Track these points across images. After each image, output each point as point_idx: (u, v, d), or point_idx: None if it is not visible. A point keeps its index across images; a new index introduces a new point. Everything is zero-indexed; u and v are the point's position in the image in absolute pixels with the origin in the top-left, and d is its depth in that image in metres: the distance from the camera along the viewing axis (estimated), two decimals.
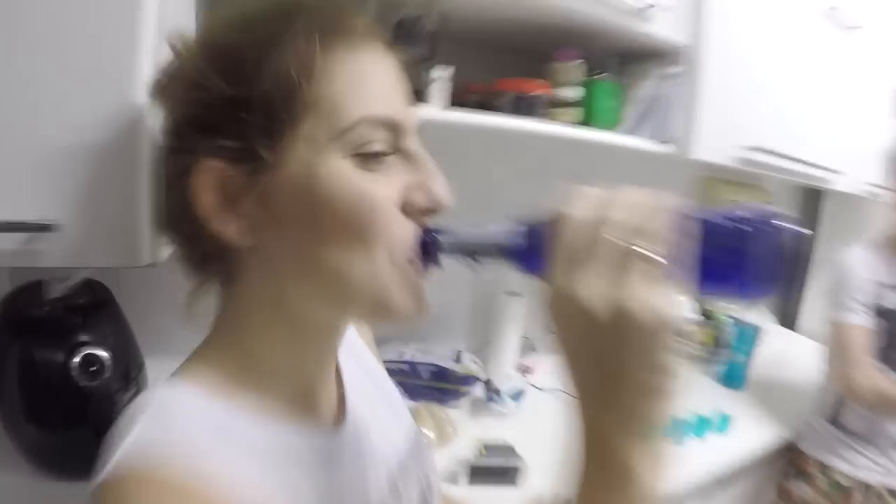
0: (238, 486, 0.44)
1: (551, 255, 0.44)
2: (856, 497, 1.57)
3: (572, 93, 1.26)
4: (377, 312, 0.51)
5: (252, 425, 0.50)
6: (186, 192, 0.48)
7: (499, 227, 0.51)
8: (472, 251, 0.51)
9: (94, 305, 0.99)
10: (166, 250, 0.65)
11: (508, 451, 1.26)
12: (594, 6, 1.19)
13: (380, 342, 0.83)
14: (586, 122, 1.31)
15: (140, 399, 0.47)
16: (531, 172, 1.69)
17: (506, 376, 1.53)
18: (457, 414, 1.41)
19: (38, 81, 0.57)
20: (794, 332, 2.53)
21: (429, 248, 0.52)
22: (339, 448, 0.58)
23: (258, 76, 0.46)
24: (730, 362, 1.90)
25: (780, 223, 0.42)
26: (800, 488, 1.66)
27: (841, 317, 1.58)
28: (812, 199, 2.65)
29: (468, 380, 1.45)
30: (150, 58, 0.60)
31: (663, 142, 1.39)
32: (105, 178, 0.59)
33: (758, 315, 1.80)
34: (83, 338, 0.94)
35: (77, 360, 0.92)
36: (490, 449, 1.25)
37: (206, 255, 0.52)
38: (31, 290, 0.95)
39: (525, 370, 1.65)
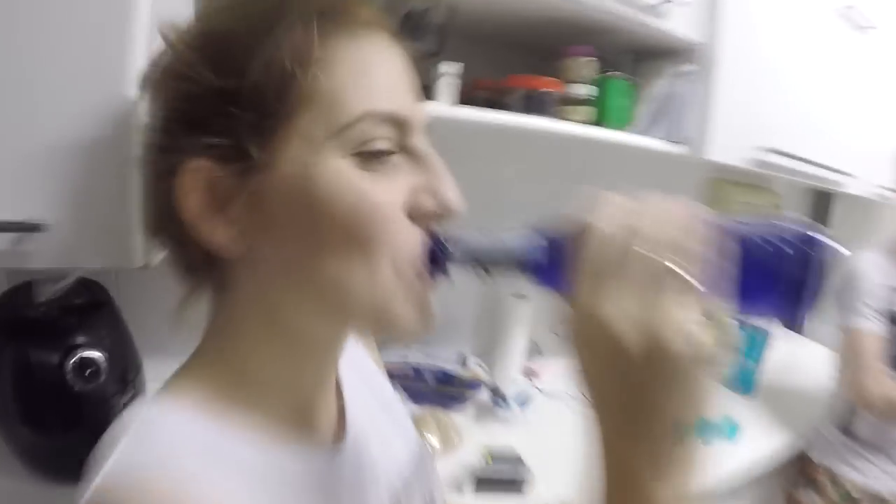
0: None
1: (575, 270, 0.41)
2: None
3: (584, 90, 1.23)
4: (379, 326, 0.48)
5: (244, 446, 0.47)
6: (172, 194, 0.44)
7: (514, 236, 0.47)
8: (485, 262, 0.48)
9: (90, 306, 0.96)
10: (161, 252, 0.61)
11: (515, 459, 1.23)
12: (608, 1, 1.16)
13: (382, 345, 0.80)
14: (598, 121, 1.27)
15: (123, 417, 0.44)
16: (540, 172, 1.66)
17: (512, 381, 1.51)
18: (462, 419, 1.38)
19: (25, 74, 0.54)
20: (802, 337, 2.50)
21: (437, 258, 0.48)
22: (338, 467, 0.55)
23: (249, 66, 0.42)
24: (739, 367, 1.87)
25: (820, 243, 0.40)
26: (809, 498, 1.64)
27: (852, 322, 1.55)
28: (821, 201, 2.62)
29: (474, 384, 1.42)
30: (143, 49, 0.57)
31: (676, 142, 1.36)
32: (96, 175, 0.56)
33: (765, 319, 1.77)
34: (79, 340, 0.91)
35: (72, 362, 0.89)
36: (496, 457, 1.22)
37: (195, 261, 0.48)
38: (26, 290, 0.92)
39: (531, 374, 1.62)
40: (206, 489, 0.40)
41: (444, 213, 0.48)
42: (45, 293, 0.88)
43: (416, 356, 1.45)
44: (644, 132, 1.35)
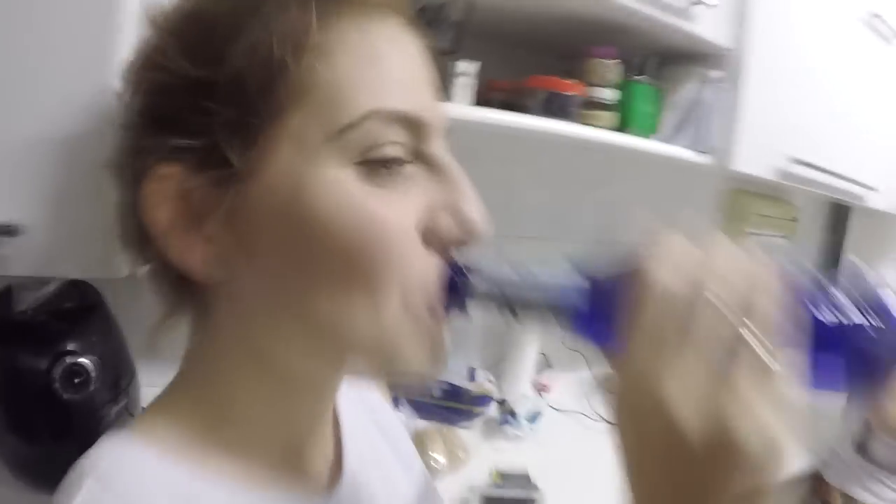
0: None
1: (626, 328, 0.33)
2: None
3: (608, 94, 1.17)
4: (382, 369, 0.42)
5: (225, 494, 0.40)
6: (140, 205, 0.38)
7: (551, 272, 0.39)
8: (513, 302, 0.39)
9: (81, 309, 0.91)
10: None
11: (524, 480, 1.19)
12: (633, 0, 1.09)
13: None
14: (621, 127, 1.21)
15: (87, 458, 0.38)
16: (557, 178, 1.60)
17: (522, 396, 1.45)
18: (469, 435, 1.33)
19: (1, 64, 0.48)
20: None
21: (455, 292, 0.40)
22: None
23: (229, 52, 0.35)
24: None
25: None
26: None
27: None
28: (839, 214, 2.56)
29: (482, 400, 1.37)
30: (131, 35, 0.50)
31: (702, 151, 1.30)
32: (78, 175, 0.50)
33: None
34: (68, 346, 0.86)
35: (60, 370, 0.84)
36: (504, 477, 1.18)
37: (170, 281, 0.41)
38: (8, 294, 0.86)
39: (542, 389, 1.56)
40: None
41: (466, 236, 0.40)
42: (26, 300, 0.83)
43: None
44: (668, 140, 1.29)
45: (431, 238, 0.39)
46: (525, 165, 1.56)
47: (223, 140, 0.36)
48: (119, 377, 0.93)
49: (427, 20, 0.99)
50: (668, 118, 1.29)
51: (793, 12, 1.40)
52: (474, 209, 0.40)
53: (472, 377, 1.41)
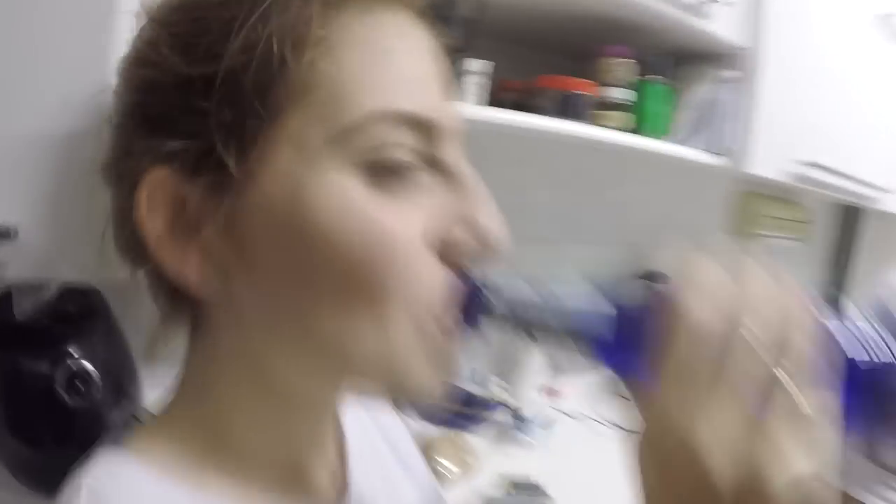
0: None
1: (656, 364, 0.31)
2: None
3: (622, 94, 1.15)
4: (389, 389, 0.39)
5: None
6: (132, 211, 0.35)
7: (574, 294, 0.36)
8: (530, 323, 0.36)
9: (84, 313, 0.89)
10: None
11: (535, 489, 1.17)
12: None
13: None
14: (635, 127, 1.19)
15: (81, 475, 0.36)
16: (569, 180, 1.58)
17: (533, 402, 1.43)
18: (479, 442, 1.31)
19: None
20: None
21: (470, 308, 0.37)
22: None
23: (224, 48, 0.33)
24: None
25: None
26: None
27: None
28: (850, 217, 2.53)
29: (493, 405, 1.35)
30: (129, 30, 0.49)
31: (716, 153, 1.28)
32: (75, 175, 0.47)
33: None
34: (71, 350, 0.84)
35: (62, 375, 0.83)
36: (515, 486, 1.16)
37: (166, 291, 0.39)
38: (13, 297, 0.85)
39: (553, 394, 1.54)
40: None
41: (482, 249, 0.37)
42: (27, 305, 0.81)
43: None
44: (682, 141, 1.27)
45: (444, 250, 0.37)
46: (536, 166, 1.54)
47: (218, 143, 0.33)
48: (122, 381, 0.92)
49: (437, 16, 0.97)
50: (682, 119, 1.27)
51: (808, 11, 1.38)
52: (491, 220, 0.37)
53: (483, 383, 1.39)
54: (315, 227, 0.33)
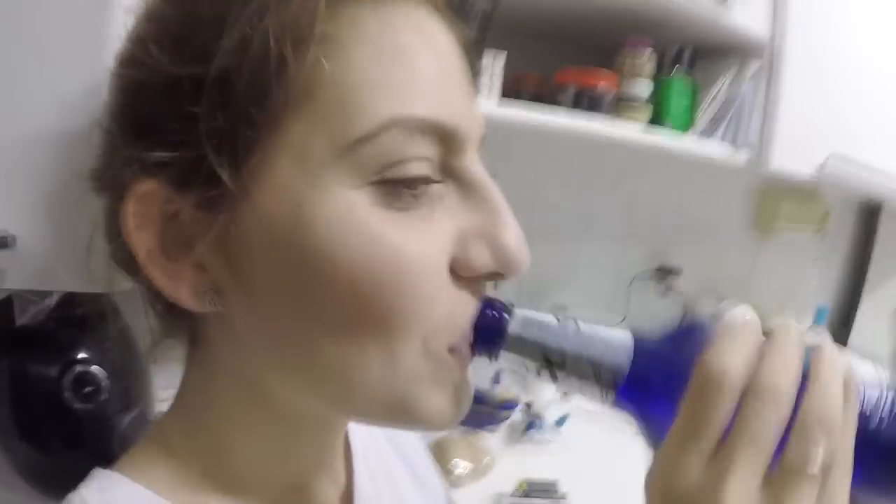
0: None
1: (672, 416, 0.30)
2: None
3: (642, 89, 1.12)
4: (396, 420, 0.36)
5: None
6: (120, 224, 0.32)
7: (602, 332, 0.34)
8: (552, 357, 0.34)
9: (92, 316, 0.87)
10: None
11: (551, 488, 1.14)
12: None
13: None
14: (656, 122, 1.16)
15: (78, 495, 0.34)
16: (587, 175, 1.55)
17: (548, 400, 1.41)
18: (494, 441, 1.29)
19: None
20: (847, 350, 2.38)
21: (487, 334, 0.34)
22: None
23: (217, 45, 0.29)
24: None
25: None
26: None
27: None
28: (869, 212, 2.49)
29: (508, 404, 1.32)
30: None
31: (738, 148, 1.25)
32: (74, 180, 0.44)
33: (818, 335, 1.65)
34: (78, 354, 0.83)
35: (70, 380, 0.82)
36: (530, 484, 1.14)
37: (163, 305, 0.36)
38: (14, 303, 0.83)
39: (569, 392, 1.53)
40: None
41: (502, 270, 0.34)
42: (29, 311, 0.80)
43: None
44: (704, 136, 1.24)
45: (461, 270, 0.34)
46: (553, 161, 1.51)
47: (210, 153, 0.30)
48: (131, 384, 0.90)
49: (453, 8, 0.94)
50: (704, 113, 1.24)
51: (831, 3, 1.34)
52: (513, 238, 0.34)
53: (497, 380, 1.36)
54: (318, 250, 0.30)
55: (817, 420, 0.28)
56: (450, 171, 0.34)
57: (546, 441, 1.32)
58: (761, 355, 0.30)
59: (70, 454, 0.84)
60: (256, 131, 0.30)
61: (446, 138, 0.33)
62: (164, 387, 0.65)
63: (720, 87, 1.25)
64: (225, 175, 0.30)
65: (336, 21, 0.30)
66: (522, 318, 0.35)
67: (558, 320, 0.35)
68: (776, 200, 1.96)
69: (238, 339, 0.35)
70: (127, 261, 0.34)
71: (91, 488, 0.35)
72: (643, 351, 0.33)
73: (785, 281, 2.15)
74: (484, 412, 1.31)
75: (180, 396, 0.40)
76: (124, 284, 0.42)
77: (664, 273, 1.72)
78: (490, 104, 0.98)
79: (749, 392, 0.29)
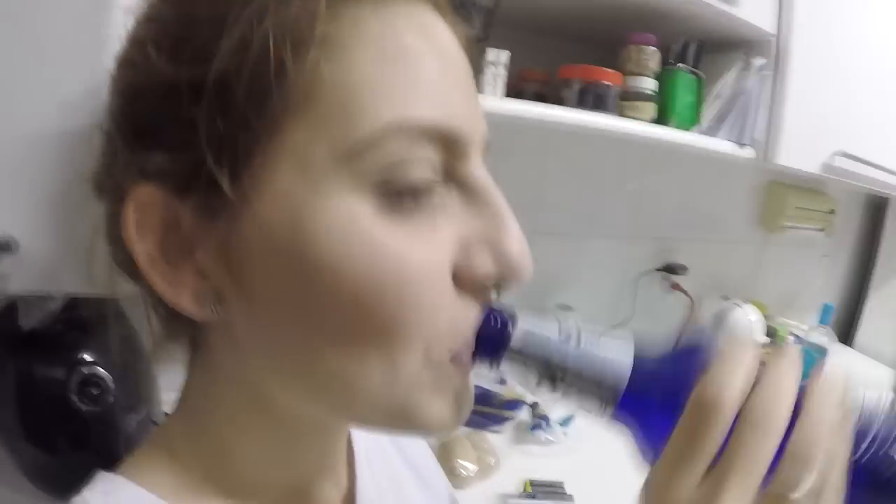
0: None
1: (667, 434, 0.31)
2: None
3: (648, 84, 1.11)
4: (396, 427, 0.36)
5: None
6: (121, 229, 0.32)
7: (605, 346, 0.34)
8: (553, 367, 0.34)
9: (97, 317, 0.87)
10: None
11: (556, 489, 1.14)
12: None
13: None
14: (661, 118, 1.15)
15: (80, 499, 0.34)
16: (592, 171, 1.54)
17: (553, 400, 1.40)
18: (500, 441, 1.28)
19: None
20: (851, 349, 2.37)
21: (488, 342, 0.34)
22: None
23: (215, 48, 0.29)
24: None
25: None
26: None
27: None
28: (876, 206, 2.48)
29: (514, 404, 1.32)
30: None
31: (744, 144, 1.23)
32: (75, 183, 0.44)
33: (823, 334, 1.65)
34: (84, 356, 0.83)
35: (76, 382, 0.82)
36: (536, 486, 1.13)
37: (164, 310, 0.36)
38: (19, 306, 0.83)
39: None
40: None
41: (505, 277, 0.34)
42: (33, 314, 0.80)
43: None
44: (710, 132, 1.23)
45: (464, 278, 0.33)
46: (558, 158, 1.50)
47: (209, 159, 0.29)
48: (137, 385, 0.91)
49: (455, 6, 0.94)
50: (710, 109, 1.23)
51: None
52: (517, 244, 0.34)
53: (502, 380, 1.35)
54: (319, 258, 0.30)
55: (808, 448, 0.29)
56: (453, 176, 0.33)
57: (551, 441, 1.31)
58: (758, 380, 0.31)
59: (76, 455, 0.84)
60: (256, 137, 0.29)
61: (449, 143, 0.32)
62: (170, 388, 0.65)
63: (726, 83, 1.24)
64: (224, 181, 0.29)
65: (337, 22, 0.30)
66: (525, 328, 0.35)
67: (561, 331, 0.35)
68: (782, 197, 1.95)
69: (239, 345, 0.35)
70: (128, 265, 0.34)
71: (95, 491, 0.35)
72: (643, 369, 0.33)
73: (791, 278, 2.14)
74: (489, 412, 1.31)
75: (183, 400, 0.40)
76: (128, 288, 0.42)
77: (670, 270, 1.71)
78: (494, 101, 0.97)
79: (742, 419, 0.30)
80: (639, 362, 0.34)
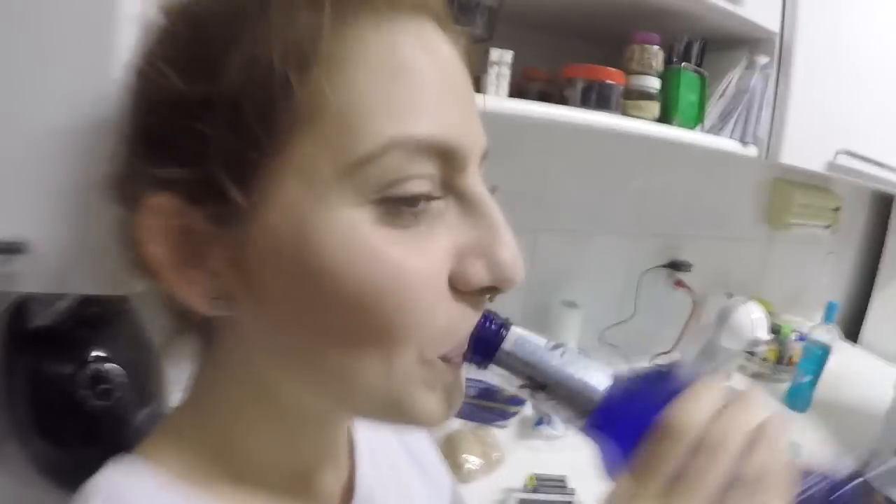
0: None
1: (638, 457, 0.36)
2: None
3: (652, 83, 1.11)
4: (391, 418, 0.38)
5: None
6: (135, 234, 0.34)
7: (588, 365, 0.38)
8: (536, 376, 0.38)
9: (106, 314, 0.89)
10: None
11: (560, 483, 1.15)
12: None
13: None
14: (665, 117, 1.15)
15: (94, 481, 0.36)
16: (597, 170, 1.55)
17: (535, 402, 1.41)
18: (504, 435, 1.29)
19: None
20: (857, 346, 2.36)
21: (483, 347, 0.37)
22: None
23: (224, 65, 0.30)
24: (794, 382, 1.75)
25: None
26: None
27: None
28: (882, 204, 2.47)
29: (518, 400, 1.33)
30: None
31: (748, 143, 1.24)
32: (85, 184, 0.44)
33: (828, 332, 1.65)
34: (93, 352, 0.85)
35: (85, 378, 0.83)
36: (540, 481, 1.14)
37: (175, 307, 0.38)
38: (30, 304, 0.85)
39: None
40: None
41: (499, 285, 0.35)
42: (44, 312, 0.81)
43: None
44: (713, 131, 1.23)
45: (459, 285, 0.35)
46: (563, 156, 1.50)
47: (219, 172, 0.31)
48: (147, 381, 0.92)
49: (459, 6, 0.94)
50: (713, 107, 1.23)
51: None
52: (510, 254, 0.35)
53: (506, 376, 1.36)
54: (322, 265, 0.31)
55: (756, 478, 0.34)
56: (451, 188, 0.35)
57: (556, 436, 1.32)
58: (718, 416, 0.36)
59: (86, 450, 0.85)
60: (264, 151, 0.31)
61: (447, 156, 0.33)
62: (178, 383, 0.66)
63: (729, 82, 1.23)
64: (234, 193, 0.31)
65: (340, 40, 0.31)
66: (516, 337, 0.38)
67: (548, 345, 0.38)
68: (788, 194, 1.95)
69: (247, 341, 0.37)
70: (141, 266, 0.35)
71: (109, 475, 0.37)
72: (616, 392, 0.37)
73: (796, 275, 2.14)
74: (494, 408, 1.32)
75: (192, 391, 0.42)
76: (137, 287, 0.43)
77: (675, 267, 1.72)
78: (498, 101, 0.98)
79: (701, 445, 0.35)
80: (613, 386, 0.37)
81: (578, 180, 1.53)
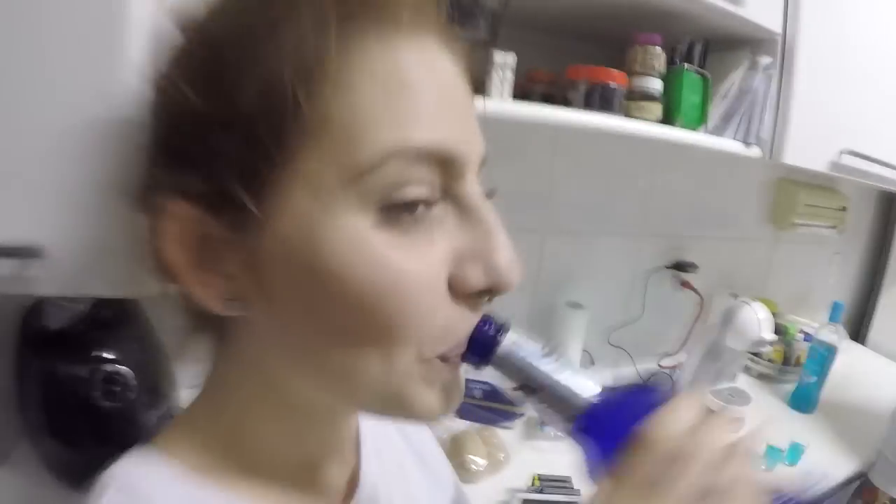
0: None
1: (617, 459, 0.39)
2: None
3: (655, 84, 1.11)
4: (392, 413, 0.40)
5: None
6: (154, 238, 0.36)
7: (578, 373, 0.40)
8: (528, 379, 0.40)
9: (119, 317, 0.91)
10: None
11: (564, 483, 1.15)
12: None
13: None
14: (668, 118, 1.15)
15: (110, 471, 0.38)
16: (600, 171, 1.55)
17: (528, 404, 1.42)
18: (509, 436, 1.30)
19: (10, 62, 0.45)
20: (863, 347, 2.36)
21: (480, 348, 0.39)
22: None
23: (238, 84, 0.32)
24: (800, 383, 1.75)
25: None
26: None
27: None
28: (888, 203, 2.46)
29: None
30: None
31: (751, 143, 1.24)
32: (100, 188, 0.46)
33: (834, 332, 1.65)
34: (105, 355, 0.86)
35: (98, 380, 0.85)
36: (544, 481, 1.15)
37: (192, 308, 0.40)
38: (44, 306, 0.87)
39: None
40: None
41: (495, 288, 0.37)
42: (59, 314, 0.83)
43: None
44: (716, 131, 1.23)
45: (458, 288, 0.37)
46: (567, 157, 1.51)
47: (234, 183, 0.33)
48: (157, 382, 0.94)
49: (462, 9, 0.95)
50: (716, 108, 1.23)
51: None
52: (507, 258, 0.37)
53: None
54: (329, 271, 0.33)
55: (725, 489, 0.37)
56: (449, 194, 0.37)
57: (560, 437, 1.32)
58: (693, 430, 0.38)
59: (98, 450, 0.85)
60: (274, 165, 0.33)
61: (446, 164, 0.35)
62: (189, 385, 0.67)
63: (732, 82, 1.24)
64: (248, 203, 0.33)
65: (344, 59, 0.33)
66: (513, 341, 0.39)
67: (542, 351, 0.40)
68: (793, 195, 1.95)
69: (258, 340, 0.39)
70: (162, 269, 0.37)
71: (126, 466, 0.39)
72: (602, 401, 0.39)
73: (802, 276, 2.14)
74: (500, 409, 1.33)
75: (205, 388, 0.44)
76: (150, 289, 0.45)
77: (680, 268, 1.72)
78: (502, 103, 0.99)
79: (675, 456, 0.37)
80: (600, 395, 0.39)
81: (583, 182, 1.53)
